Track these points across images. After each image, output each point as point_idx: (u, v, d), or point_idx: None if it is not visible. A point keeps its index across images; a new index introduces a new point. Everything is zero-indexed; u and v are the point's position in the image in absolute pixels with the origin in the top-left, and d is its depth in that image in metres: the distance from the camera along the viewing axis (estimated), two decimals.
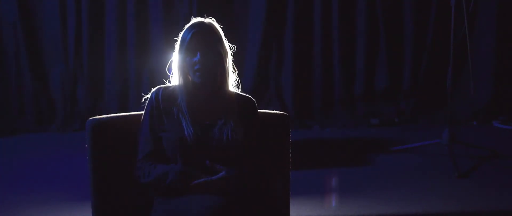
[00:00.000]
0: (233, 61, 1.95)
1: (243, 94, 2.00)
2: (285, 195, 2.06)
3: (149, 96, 1.94)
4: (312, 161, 3.98)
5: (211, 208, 1.67)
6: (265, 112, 2.07)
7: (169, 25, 5.14)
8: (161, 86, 1.95)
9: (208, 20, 1.92)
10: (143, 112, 1.94)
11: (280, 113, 2.10)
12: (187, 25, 1.91)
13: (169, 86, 1.95)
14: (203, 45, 1.85)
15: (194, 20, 1.92)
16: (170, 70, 1.98)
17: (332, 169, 3.75)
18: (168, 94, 1.91)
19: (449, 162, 3.63)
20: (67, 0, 5.22)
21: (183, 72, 1.89)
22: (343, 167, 3.83)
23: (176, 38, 1.94)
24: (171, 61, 1.96)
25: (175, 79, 1.95)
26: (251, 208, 1.81)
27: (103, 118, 1.99)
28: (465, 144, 3.98)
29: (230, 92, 1.95)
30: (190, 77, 1.89)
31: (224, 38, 1.91)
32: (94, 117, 1.99)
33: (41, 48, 5.32)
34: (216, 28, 1.90)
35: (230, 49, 1.94)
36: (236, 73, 1.98)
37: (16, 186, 3.49)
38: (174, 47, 1.95)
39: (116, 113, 2.08)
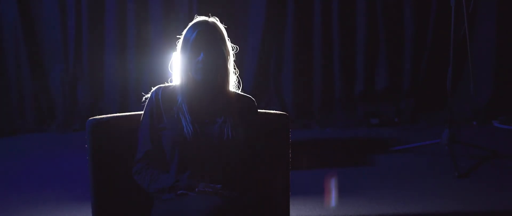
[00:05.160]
0: (233, 61, 1.95)
1: (243, 93, 2.00)
2: (285, 195, 2.06)
3: (149, 95, 1.95)
4: (312, 161, 3.98)
5: (211, 208, 1.67)
6: (265, 112, 2.08)
7: (169, 25, 5.13)
8: (161, 85, 1.95)
9: (211, 19, 1.92)
10: (143, 112, 1.94)
11: (280, 113, 2.10)
12: (191, 24, 1.91)
13: (169, 86, 1.96)
14: (207, 45, 1.85)
15: (198, 19, 1.92)
16: (172, 68, 1.98)
17: (332, 169, 3.75)
18: (168, 94, 1.92)
19: (449, 162, 3.63)
20: (67, 0, 5.22)
21: (185, 71, 1.89)
22: (343, 167, 3.83)
23: (178, 36, 1.94)
24: (172, 60, 1.96)
25: (176, 78, 1.95)
26: (251, 208, 1.81)
27: (103, 118, 1.99)
28: (465, 144, 3.98)
29: (231, 92, 1.96)
30: (191, 76, 1.89)
31: (227, 38, 1.92)
32: (94, 117, 1.99)
33: (41, 48, 5.32)
34: (220, 28, 1.91)
35: (232, 49, 1.95)
36: (237, 73, 1.98)
37: (16, 186, 3.49)
38: (174, 47, 1.95)
39: (116, 113, 2.08)
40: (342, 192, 3.23)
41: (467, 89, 3.84)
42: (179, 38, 1.94)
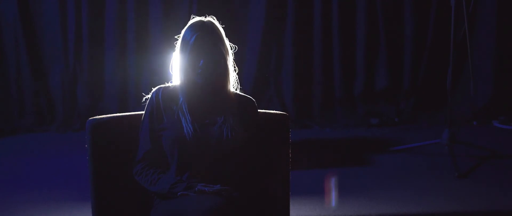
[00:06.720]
0: (233, 60, 1.95)
1: (243, 94, 2.00)
2: (285, 195, 2.06)
3: (149, 96, 1.95)
4: (312, 161, 3.98)
5: (211, 208, 1.67)
6: (265, 112, 2.08)
7: (169, 25, 5.13)
8: (161, 86, 1.96)
9: (208, 19, 1.92)
10: (143, 112, 1.94)
11: (280, 113, 2.10)
12: (188, 25, 1.90)
13: (169, 86, 1.96)
14: (206, 48, 1.85)
15: (194, 19, 1.92)
16: (172, 69, 1.98)
17: (332, 169, 3.75)
18: (168, 94, 1.92)
19: (449, 162, 3.63)
20: (67, 0, 5.22)
21: (185, 72, 1.89)
22: (343, 167, 3.83)
23: (177, 37, 1.94)
24: (172, 60, 1.96)
25: (175, 79, 1.95)
26: (251, 208, 1.81)
27: (103, 118, 1.99)
28: (465, 144, 3.98)
29: (230, 92, 1.95)
30: (191, 77, 1.88)
31: (225, 37, 1.91)
32: (94, 117, 1.99)
33: (41, 48, 5.32)
34: (217, 28, 1.91)
35: (231, 49, 1.95)
36: (236, 72, 1.98)
37: (16, 186, 3.49)
38: (174, 47, 1.95)
39: (116, 113, 2.08)
40: (342, 192, 3.23)
41: (467, 89, 3.84)
42: (178, 38, 1.93)
